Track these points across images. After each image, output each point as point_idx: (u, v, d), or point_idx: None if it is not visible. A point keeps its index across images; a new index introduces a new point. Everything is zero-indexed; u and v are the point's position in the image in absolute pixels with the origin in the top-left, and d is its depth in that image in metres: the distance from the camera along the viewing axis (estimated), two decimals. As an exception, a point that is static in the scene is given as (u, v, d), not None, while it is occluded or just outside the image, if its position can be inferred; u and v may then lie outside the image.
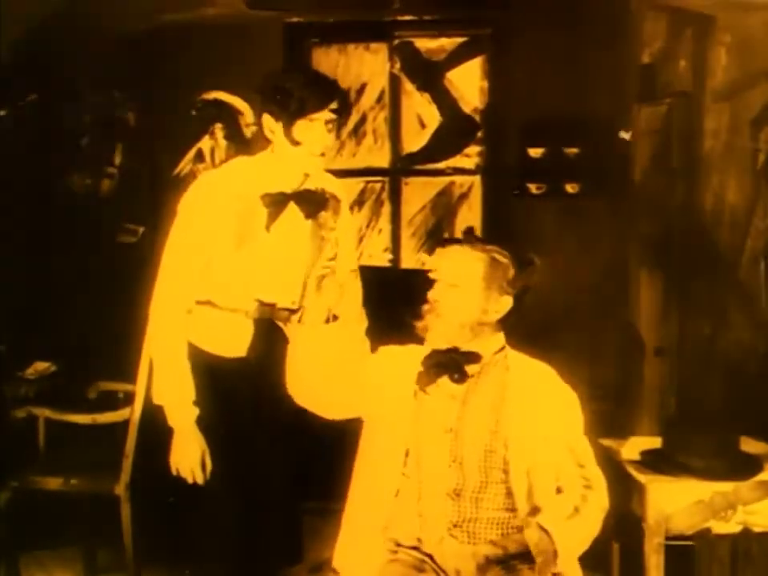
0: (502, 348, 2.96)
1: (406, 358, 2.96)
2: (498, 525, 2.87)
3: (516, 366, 2.95)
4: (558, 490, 2.91)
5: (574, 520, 2.83)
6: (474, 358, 2.90)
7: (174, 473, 3.34)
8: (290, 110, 3.27)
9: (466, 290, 2.89)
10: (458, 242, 3.00)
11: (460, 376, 2.89)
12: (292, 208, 3.37)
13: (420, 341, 2.96)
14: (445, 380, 2.90)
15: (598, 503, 2.91)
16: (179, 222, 3.33)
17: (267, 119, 3.32)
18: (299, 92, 3.27)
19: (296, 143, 3.30)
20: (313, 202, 3.40)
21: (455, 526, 2.85)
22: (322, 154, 3.34)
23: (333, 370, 3.01)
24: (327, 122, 3.30)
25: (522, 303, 2.94)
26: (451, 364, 2.89)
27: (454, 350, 2.90)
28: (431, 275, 2.97)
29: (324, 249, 3.45)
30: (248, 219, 3.32)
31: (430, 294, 2.93)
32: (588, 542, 2.87)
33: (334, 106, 3.30)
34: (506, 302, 2.91)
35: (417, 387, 2.91)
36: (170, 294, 3.32)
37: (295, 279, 3.43)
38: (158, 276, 3.32)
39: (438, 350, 2.92)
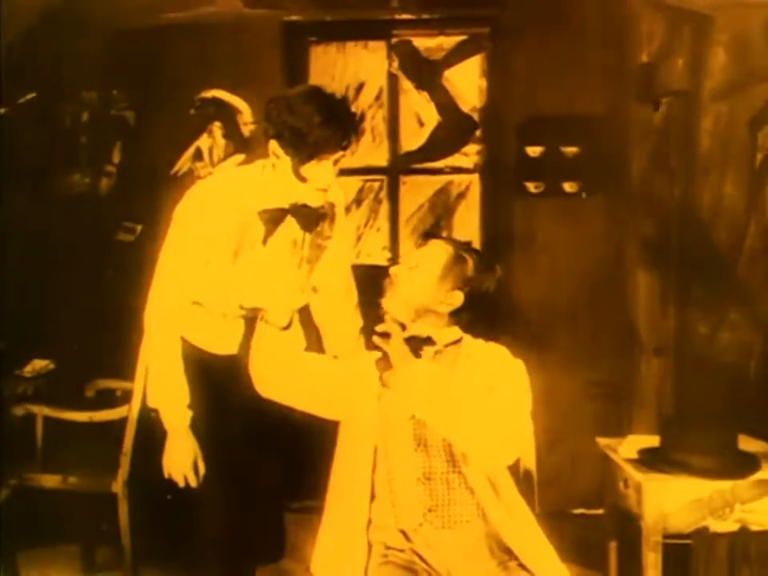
0: (458, 340, 3.00)
1: (370, 363, 3.01)
2: (471, 506, 2.89)
3: (470, 349, 3.00)
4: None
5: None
6: (427, 341, 2.95)
7: (167, 476, 3.35)
8: (303, 154, 3.16)
9: (422, 272, 2.97)
10: (434, 236, 3.10)
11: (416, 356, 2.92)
12: (289, 221, 3.33)
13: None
14: None
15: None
16: (175, 230, 3.30)
17: (274, 146, 3.19)
18: (314, 136, 3.13)
19: (303, 179, 3.21)
20: (311, 217, 3.35)
21: (430, 510, 2.88)
22: (325, 190, 3.28)
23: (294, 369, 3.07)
24: (336, 160, 3.21)
25: (482, 305, 2.99)
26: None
27: (411, 338, 2.93)
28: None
29: (321, 256, 3.45)
30: (245, 233, 3.29)
31: (392, 269, 3.01)
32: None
33: (345, 142, 3.20)
34: (457, 297, 2.97)
35: (380, 384, 2.95)
36: (165, 299, 3.30)
37: (290, 286, 3.43)
38: (153, 281, 3.30)
39: None
